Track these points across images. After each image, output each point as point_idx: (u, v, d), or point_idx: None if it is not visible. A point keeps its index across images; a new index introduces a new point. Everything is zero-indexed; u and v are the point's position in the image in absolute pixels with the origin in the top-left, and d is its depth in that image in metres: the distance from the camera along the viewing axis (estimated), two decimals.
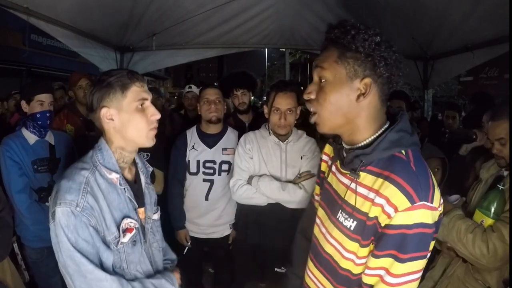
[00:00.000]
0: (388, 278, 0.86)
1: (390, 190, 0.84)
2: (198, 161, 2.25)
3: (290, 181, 2.02)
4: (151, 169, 1.38)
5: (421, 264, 0.86)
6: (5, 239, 1.63)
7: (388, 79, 0.88)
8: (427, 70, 4.12)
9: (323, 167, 1.18)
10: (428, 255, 0.87)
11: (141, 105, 1.13)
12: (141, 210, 1.24)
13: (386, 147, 0.88)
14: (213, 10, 3.31)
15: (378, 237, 0.87)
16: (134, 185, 1.23)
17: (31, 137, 2.05)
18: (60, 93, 3.39)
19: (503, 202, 1.44)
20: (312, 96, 0.93)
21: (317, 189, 1.24)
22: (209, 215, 2.28)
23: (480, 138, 2.36)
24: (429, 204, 0.82)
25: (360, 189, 0.91)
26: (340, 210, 0.96)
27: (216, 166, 2.25)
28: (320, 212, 1.10)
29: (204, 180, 2.25)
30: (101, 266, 1.06)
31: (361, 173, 0.91)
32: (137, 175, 1.28)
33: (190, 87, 3.83)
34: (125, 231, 1.13)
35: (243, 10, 3.44)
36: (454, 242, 1.50)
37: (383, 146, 0.88)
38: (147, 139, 1.16)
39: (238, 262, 2.34)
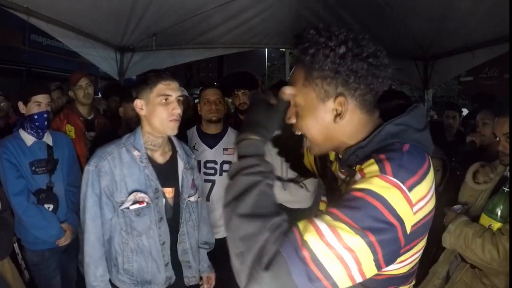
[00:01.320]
0: (315, 220, 0.68)
1: (367, 163, 0.73)
2: (199, 162, 2.25)
3: (291, 181, 2.01)
4: (193, 156, 1.65)
5: (356, 242, 0.63)
6: (5, 239, 1.63)
7: (367, 89, 0.77)
8: (427, 70, 4.12)
9: (334, 167, 1.04)
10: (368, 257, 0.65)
11: (165, 99, 1.38)
12: (169, 190, 1.48)
13: (382, 138, 0.77)
14: (213, 10, 3.31)
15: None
16: (162, 166, 1.47)
17: (28, 138, 2.04)
18: (58, 93, 3.37)
19: (508, 205, 1.42)
20: (293, 121, 0.85)
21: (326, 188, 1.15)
22: (210, 216, 2.27)
23: (478, 141, 2.36)
24: (404, 188, 0.67)
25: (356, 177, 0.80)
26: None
27: (217, 166, 2.25)
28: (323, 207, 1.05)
29: (205, 181, 2.25)
30: (100, 218, 1.40)
31: (357, 167, 0.80)
32: (173, 159, 1.52)
33: None
34: (137, 201, 1.39)
35: (243, 10, 3.43)
36: (463, 249, 1.49)
37: (379, 137, 0.78)
38: (168, 128, 1.40)
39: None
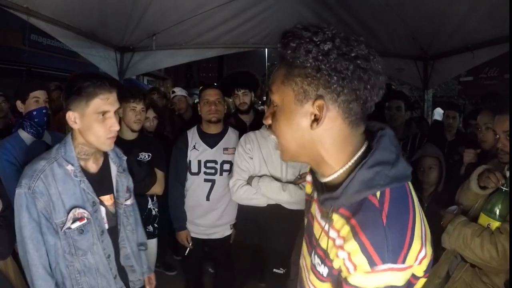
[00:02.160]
0: None
1: (351, 246, 0.67)
2: (199, 161, 2.25)
3: (290, 182, 2.01)
4: (125, 158, 1.55)
5: None
6: (8, 237, 1.63)
7: (352, 95, 0.67)
8: (427, 70, 4.13)
9: (308, 188, 0.98)
10: None
11: (103, 115, 1.26)
12: (107, 197, 1.41)
13: (356, 189, 0.68)
14: (213, 10, 3.31)
15: None
16: (96, 175, 1.38)
17: (28, 138, 2.04)
18: (57, 93, 3.38)
19: (507, 204, 1.42)
20: (269, 122, 0.77)
21: (306, 211, 1.01)
22: (210, 215, 2.28)
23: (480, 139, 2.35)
24: (398, 266, 0.65)
25: (332, 232, 0.74)
26: (314, 253, 0.81)
27: (218, 166, 2.25)
28: (304, 243, 0.94)
29: (206, 180, 2.25)
30: (44, 245, 1.27)
31: (334, 215, 0.74)
32: (105, 165, 1.43)
33: (173, 92, 3.85)
34: (77, 219, 1.30)
35: (243, 10, 3.43)
36: (462, 249, 1.49)
37: (352, 189, 0.69)
38: (104, 145, 1.31)
39: (238, 262, 2.34)
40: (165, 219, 2.52)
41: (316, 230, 0.82)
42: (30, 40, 5.91)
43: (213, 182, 2.25)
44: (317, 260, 0.79)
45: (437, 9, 2.94)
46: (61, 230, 1.28)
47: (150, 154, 2.26)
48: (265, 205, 2.02)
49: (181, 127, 3.23)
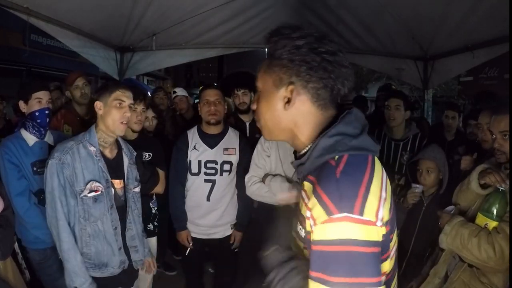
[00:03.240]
0: None
1: (312, 201, 0.74)
2: (199, 161, 2.25)
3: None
4: (135, 153, 1.91)
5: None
6: (7, 237, 1.65)
7: (321, 83, 0.80)
8: (427, 70, 4.13)
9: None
10: (378, 282, 0.68)
11: (119, 104, 1.66)
12: (117, 181, 1.76)
13: (318, 154, 0.80)
14: (213, 10, 3.31)
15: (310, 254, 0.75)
16: (112, 161, 1.75)
17: (30, 138, 2.04)
18: (57, 93, 3.37)
19: (504, 204, 1.43)
20: (254, 107, 0.92)
21: None
22: (210, 216, 2.28)
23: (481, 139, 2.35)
24: (354, 216, 0.68)
25: (305, 198, 0.82)
26: (298, 221, 0.87)
27: (218, 166, 2.25)
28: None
29: (206, 181, 2.25)
30: (67, 205, 1.62)
31: (304, 182, 0.84)
32: (119, 155, 1.80)
33: (175, 92, 3.85)
34: (93, 190, 1.64)
35: (243, 10, 3.43)
36: (459, 249, 1.49)
37: (315, 154, 0.80)
38: (118, 129, 1.68)
39: (241, 260, 2.34)
40: (164, 219, 2.52)
41: (300, 201, 0.89)
42: (30, 40, 5.90)
43: (213, 182, 2.25)
44: (298, 226, 0.86)
45: (437, 9, 2.94)
46: (79, 196, 1.62)
47: (151, 154, 2.27)
48: (276, 204, 2.02)
49: (183, 127, 3.23)
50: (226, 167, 2.25)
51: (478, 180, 1.59)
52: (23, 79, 6.60)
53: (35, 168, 2.01)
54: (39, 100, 2.02)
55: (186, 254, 2.36)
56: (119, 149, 1.82)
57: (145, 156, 2.23)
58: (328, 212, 0.69)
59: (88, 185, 1.63)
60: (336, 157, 0.77)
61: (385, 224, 0.74)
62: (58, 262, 2.11)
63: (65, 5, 2.62)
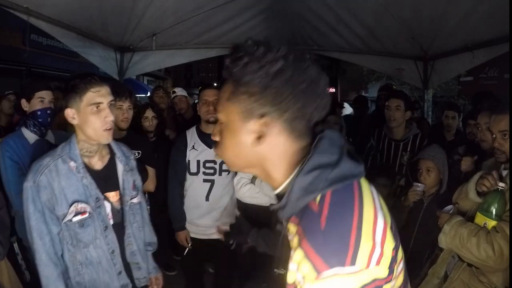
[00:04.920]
0: None
1: (298, 255, 0.65)
2: (198, 161, 2.25)
3: None
4: (132, 157, 1.61)
5: None
6: (6, 240, 1.63)
7: (298, 113, 0.68)
8: (427, 70, 4.13)
9: None
10: None
11: (96, 107, 1.33)
12: (112, 194, 1.46)
13: (297, 197, 0.68)
14: (213, 10, 3.31)
15: None
16: (101, 172, 1.44)
17: (31, 137, 2.04)
18: (57, 94, 3.37)
19: (503, 203, 1.43)
20: (217, 138, 0.77)
21: None
22: (209, 216, 2.28)
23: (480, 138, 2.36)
24: (345, 269, 0.61)
25: (292, 239, 0.73)
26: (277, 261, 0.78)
27: (217, 166, 2.25)
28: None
29: (205, 180, 2.25)
30: (48, 234, 1.35)
31: (289, 225, 0.74)
32: (111, 163, 1.49)
33: (174, 92, 3.86)
34: (79, 213, 1.36)
35: (243, 10, 3.44)
36: (458, 249, 1.49)
37: (293, 197, 0.69)
38: (102, 138, 1.37)
39: (239, 262, 2.34)
40: (163, 219, 2.52)
41: (281, 234, 0.81)
42: (30, 40, 5.91)
43: (212, 182, 2.25)
44: (279, 270, 0.77)
45: (437, 9, 2.94)
46: (62, 221, 1.35)
47: (140, 152, 2.27)
48: (268, 204, 2.02)
49: (183, 127, 3.23)
50: (225, 167, 2.25)
51: (475, 189, 1.59)
52: (23, 79, 6.60)
53: None
54: (42, 100, 2.03)
55: (185, 254, 2.36)
56: (112, 154, 1.51)
57: (135, 154, 2.24)
58: (317, 270, 0.62)
59: (72, 208, 1.35)
60: (318, 198, 0.67)
61: (393, 249, 0.67)
62: None
63: (65, 5, 2.62)
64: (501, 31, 2.73)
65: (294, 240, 0.70)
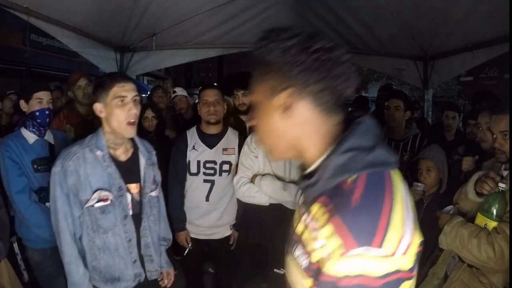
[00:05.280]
0: None
1: (327, 232, 0.67)
2: (198, 162, 2.25)
3: (293, 182, 2.01)
4: (154, 153, 1.71)
5: None
6: (5, 240, 1.63)
7: (320, 84, 0.70)
8: (427, 70, 4.12)
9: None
10: None
11: (121, 101, 1.43)
12: (133, 185, 1.55)
13: (330, 175, 0.70)
14: (213, 10, 3.31)
15: (319, 284, 0.69)
16: (125, 163, 1.54)
17: (30, 137, 2.05)
18: (57, 93, 3.37)
19: (504, 204, 1.43)
20: (254, 123, 0.81)
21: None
22: (209, 216, 2.28)
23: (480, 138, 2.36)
24: (373, 250, 0.62)
25: (311, 224, 0.74)
26: (296, 244, 0.80)
27: (217, 167, 2.25)
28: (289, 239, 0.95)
29: (205, 181, 2.25)
30: (71, 216, 1.46)
31: (313, 205, 0.74)
32: (135, 156, 1.59)
33: (174, 92, 3.85)
34: (101, 200, 1.46)
35: (243, 10, 3.44)
36: (459, 249, 1.49)
37: (327, 174, 0.71)
38: (126, 131, 1.47)
39: (239, 261, 2.34)
40: None
41: (296, 222, 0.84)
42: (30, 40, 5.91)
43: (212, 182, 2.25)
44: (298, 252, 0.78)
45: (437, 9, 2.94)
46: (85, 206, 1.45)
47: None
48: (267, 204, 2.02)
49: (183, 127, 3.23)
50: (225, 167, 2.25)
51: (474, 189, 1.59)
52: (23, 79, 6.60)
53: (35, 166, 2.03)
54: (40, 100, 2.03)
55: (185, 254, 2.36)
56: (135, 148, 1.61)
57: None
58: (346, 246, 0.63)
59: (95, 194, 1.45)
60: (351, 178, 0.69)
61: (419, 244, 0.68)
62: (58, 262, 2.12)
63: (65, 5, 2.63)
64: (501, 31, 2.73)
65: (320, 220, 0.71)
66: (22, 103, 2.05)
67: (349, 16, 3.45)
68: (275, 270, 2.12)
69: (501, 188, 1.44)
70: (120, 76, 1.49)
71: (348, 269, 0.63)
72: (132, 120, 1.45)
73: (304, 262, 0.74)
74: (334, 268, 0.65)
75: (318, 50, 0.69)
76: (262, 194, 1.99)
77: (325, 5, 3.36)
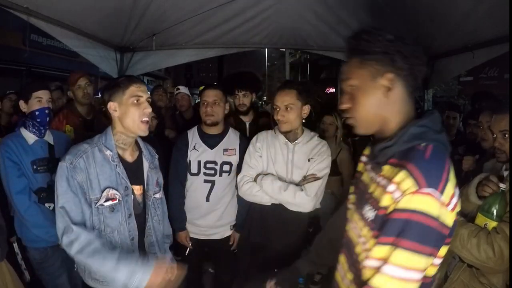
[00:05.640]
0: (386, 268, 0.84)
1: (401, 176, 0.86)
2: (199, 162, 2.25)
3: (295, 183, 2.01)
4: (157, 156, 1.75)
5: (422, 262, 0.82)
6: (3, 242, 1.63)
7: (410, 70, 0.94)
8: (427, 70, 4.12)
9: (360, 167, 1.24)
10: (433, 256, 0.85)
11: (137, 100, 1.49)
12: (137, 187, 1.58)
13: (407, 139, 0.92)
14: (213, 10, 3.30)
15: (384, 223, 0.87)
16: (131, 165, 1.57)
17: (30, 137, 2.05)
18: (58, 93, 3.37)
19: (504, 204, 1.43)
20: (347, 105, 1.02)
21: (351, 189, 1.25)
22: (210, 216, 2.28)
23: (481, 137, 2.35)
24: (437, 194, 0.82)
25: (382, 181, 0.95)
26: (366, 203, 1.00)
27: (217, 167, 2.25)
28: (351, 209, 1.16)
29: (205, 181, 2.25)
30: (81, 215, 1.43)
31: (385, 166, 0.96)
32: (139, 159, 1.63)
33: (178, 89, 3.86)
34: (109, 198, 1.48)
35: (243, 10, 3.43)
36: (459, 250, 1.49)
37: (404, 138, 0.93)
38: (139, 129, 1.50)
39: (240, 261, 2.34)
40: None
41: (369, 185, 1.04)
42: (30, 40, 5.91)
43: (212, 183, 2.25)
44: (367, 208, 0.98)
45: (437, 9, 2.93)
46: (95, 205, 1.46)
47: None
48: (269, 203, 2.02)
49: (182, 127, 3.23)
50: (226, 167, 2.25)
51: (476, 193, 1.59)
52: (23, 79, 6.60)
53: (35, 167, 2.02)
54: (39, 100, 2.03)
55: (186, 254, 2.36)
56: (140, 151, 1.65)
57: None
58: (418, 185, 0.82)
59: (104, 193, 1.47)
60: (423, 144, 0.90)
61: (456, 214, 0.88)
62: (59, 260, 2.12)
63: (65, 5, 2.62)
64: (501, 31, 2.73)
65: (391, 174, 0.90)
66: (21, 103, 2.05)
67: (349, 16, 3.45)
68: (276, 270, 2.11)
69: (501, 189, 1.44)
70: (136, 77, 1.57)
71: (417, 205, 0.82)
72: (146, 119, 1.50)
73: (371, 215, 0.95)
74: (407, 203, 0.83)
75: (410, 45, 0.93)
76: (263, 194, 1.99)
77: (325, 5, 3.36)
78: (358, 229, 1.02)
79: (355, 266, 1.02)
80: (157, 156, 1.76)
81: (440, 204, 0.82)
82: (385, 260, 0.84)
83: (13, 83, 5.38)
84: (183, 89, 3.87)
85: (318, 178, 1.96)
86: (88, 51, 3.42)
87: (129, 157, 1.59)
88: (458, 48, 3.44)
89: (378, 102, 0.96)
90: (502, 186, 1.45)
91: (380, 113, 0.97)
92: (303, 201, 1.91)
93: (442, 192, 0.82)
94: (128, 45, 3.85)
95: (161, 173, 1.78)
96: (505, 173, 1.53)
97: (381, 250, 0.86)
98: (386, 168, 0.95)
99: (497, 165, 1.64)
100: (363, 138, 3.17)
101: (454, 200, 0.85)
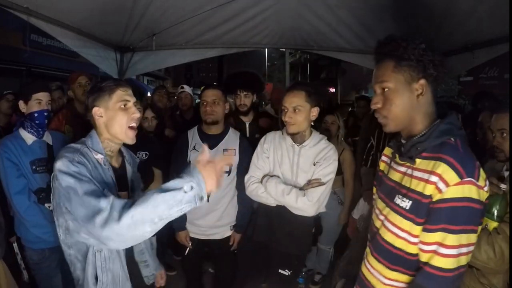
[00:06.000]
0: (442, 250, 1.02)
1: (442, 168, 1.01)
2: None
3: (299, 186, 2.00)
4: (138, 160, 1.69)
5: (472, 238, 1.02)
6: (1, 240, 1.62)
7: (436, 77, 1.09)
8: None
9: (382, 166, 1.38)
10: (478, 231, 1.05)
11: (124, 105, 1.39)
12: (123, 193, 1.49)
13: (437, 135, 1.07)
14: (213, 10, 3.30)
15: (430, 212, 1.03)
16: (117, 171, 1.48)
17: (28, 138, 2.05)
18: (58, 93, 3.37)
19: (505, 204, 1.42)
20: (379, 105, 1.14)
21: (374, 190, 1.42)
22: (210, 216, 2.27)
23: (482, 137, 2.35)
24: (475, 181, 0.99)
25: (416, 173, 1.09)
26: (397, 194, 1.14)
27: None
28: (379, 203, 1.27)
29: None
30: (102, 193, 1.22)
31: (416, 160, 1.11)
32: (123, 165, 1.55)
33: (182, 87, 3.87)
34: None
35: (243, 10, 3.43)
36: None
37: (435, 134, 1.08)
38: (127, 137, 1.40)
39: (239, 261, 2.34)
40: None
41: (398, 178, 1.18)
42: (30, 40, 5.91)
43: None
44: (400, 198, 1.13)
45: (437, 9, 2.93)
46: None
47: (147, 153, 2.26)
48: (274, 205, 2.02)
49: (182, 127, 3.23)
50: (226, 168, 2.25)
51: None
52: (23, 79, 6.60)
53: (34, 167, 2.02)
54: (39, 102, 2.03)
55: (186, 254, 2.36)
56: (122, 157, 1.57)
57: (142, 156, 2.23)
58: (460, 176, 0.99)
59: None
60: (452, 138, 1.07)
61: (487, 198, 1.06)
62: (56, 261, 2.12)
63: (65, 5, 2.62)
64: (501, 31, 2.73)
65: (428, 166, 1.06)
66: (21, 103, 2.05)
67: (349, 17, 3.45)
68: (279, 271, 2.11)
69: (502, 189, 1.44)
70: (121, 80, 1.47)
71: (460, 192, 0.99)
72: (133, 125, 1.40)
73: (406, 205, 1.10)
74: (452, 193, 0.99)
75: (438, 54, 1.08)
76: (268, 195, 1.99)
77: (325, 5, 3.36)
78: (392, 224, 1.16)
79: (375, 237, 1.23)
80: (138, 160, 1.69)
81: (479, 188, 1.00)
82: (439, 244, 1.02)
83: (13, 83, 5.37)
84: (187, 89, 3.89)
85: (322, 184, 1.93)
86: (88, 51, 3.42)
87: (115, 163, 1.50)
88: (458, 48, 3.44)
89: (410, 104, 1.10)
90: (503, 186, 1.44)
91: (411, 113, 1.11)
92: (304, 206, 1.90)
93: (478, 178, 1.00)
94: (128, 45, 3.85)
95: (139, 176, 1.68)
96: (506, 174, 1.53)
97: (433, 236, 1.03)
98: (419, 162, 1.10)
99: (497, 166, 1.64)
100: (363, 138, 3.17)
101: (486, 181, 1.03)
